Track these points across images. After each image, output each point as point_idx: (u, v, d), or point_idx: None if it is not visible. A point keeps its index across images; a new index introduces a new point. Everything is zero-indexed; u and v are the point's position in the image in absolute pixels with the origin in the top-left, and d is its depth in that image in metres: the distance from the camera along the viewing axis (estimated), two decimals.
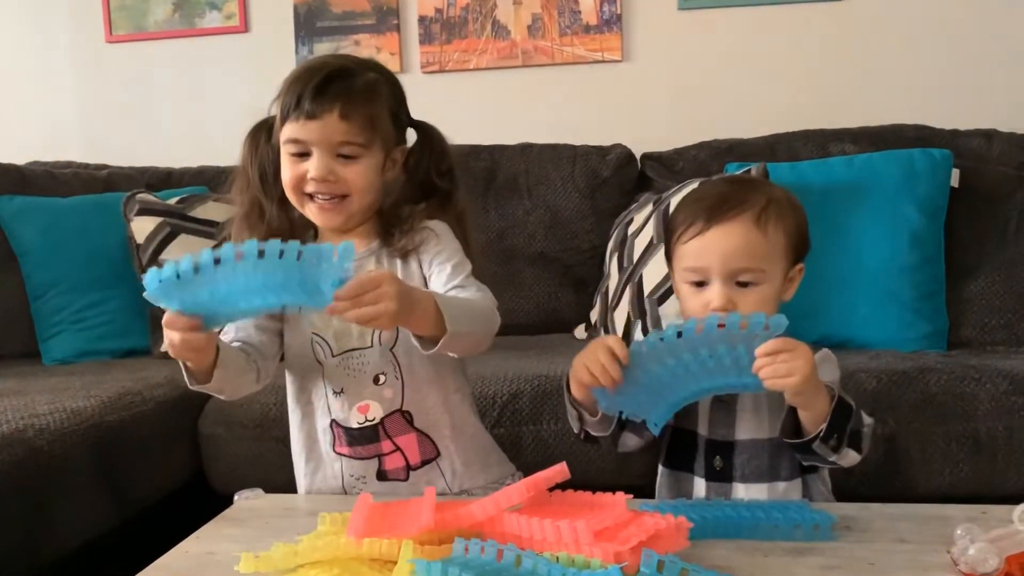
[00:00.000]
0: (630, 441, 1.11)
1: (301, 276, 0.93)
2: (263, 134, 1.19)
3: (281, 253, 0.91)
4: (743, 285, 1.04)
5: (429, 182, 1.20)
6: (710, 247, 1.04)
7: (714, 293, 1.03)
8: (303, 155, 1.11)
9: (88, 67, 2.75)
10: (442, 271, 1.15)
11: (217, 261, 0.92)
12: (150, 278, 0.93)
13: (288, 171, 1.13)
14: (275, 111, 1.15)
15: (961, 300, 1.90)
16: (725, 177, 1.22)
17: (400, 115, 1.20)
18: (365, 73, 1.14)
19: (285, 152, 1.13)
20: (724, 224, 1.03)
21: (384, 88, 1.16)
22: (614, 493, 0.91)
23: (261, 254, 0.91)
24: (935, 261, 1.88)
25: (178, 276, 0.93)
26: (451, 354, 1.10)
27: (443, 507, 0.91)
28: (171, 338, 0.97)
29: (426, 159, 1.20)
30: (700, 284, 1.05)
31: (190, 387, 1.08)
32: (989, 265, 1.92)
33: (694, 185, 1.56)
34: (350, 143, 1.11)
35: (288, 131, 1.11)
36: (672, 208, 1.69)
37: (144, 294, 0.95)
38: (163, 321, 0.97)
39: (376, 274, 0.95)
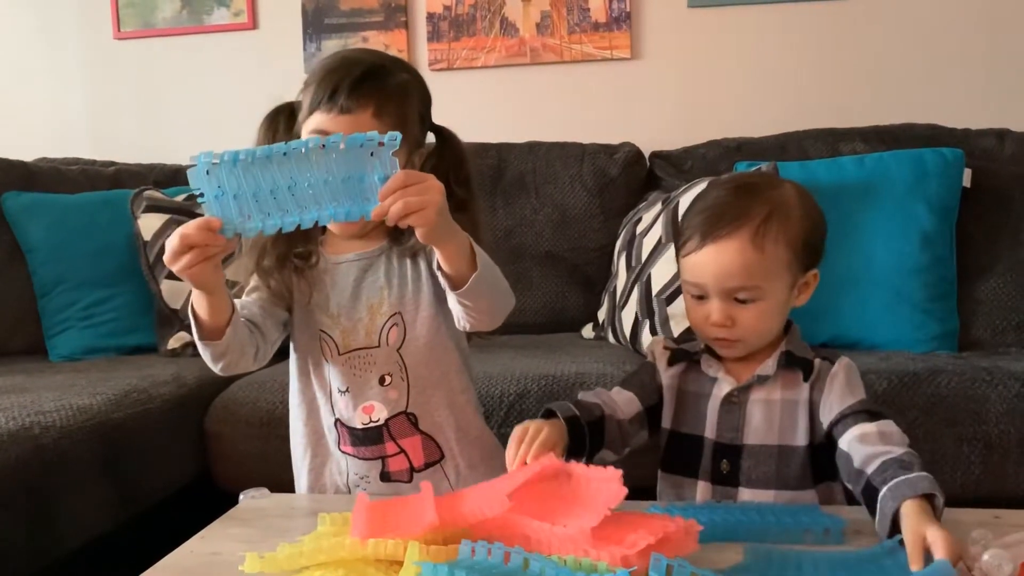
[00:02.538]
0: (608, 457, 1.09)
1: (346, 171, 0.93)
2: (282, 119, 1.17)
3: (323, 146, 0.92)
4: (743, 300, 1.03)
5: (447, 189, 1.19)
6: (705, 266, 1.03)
7: (713, 308, 1.04)
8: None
9: (96, 64, 2.76)
10: None
11: (262, 155, 0.93)
12: (199, 157, 0.95)
13: None
14: (301, 98, 1.13)
15: (972, 301, 1.89)
16: (733, 179, 1.18)
17: (426, 118, 1.19)
18: (399, 73, 1.14)
19: None
20: (718, 244, 1.02)
21: (415, 90, 1.15)
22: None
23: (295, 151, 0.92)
24: (946, 262, 1.86)
25: (224, 160, 0.94)
26: (468, 319, 1.07)
27: (443, 502, 0.91)
28: (184, 237, 0.97)
29: (444, 165, 1.17)
30: (701, 296, 1.06)
31: (197, 341, 1.05)
32: (1001, 266, 1.91)
33: (703, 185, 1.55)
34: None
35: (316, 121, 1.09)
36: (682, 207, 1.68)
37: (188, 171, 0.96)
38: (177, 230, 0.96)
39: (421, 173, 0.97)
